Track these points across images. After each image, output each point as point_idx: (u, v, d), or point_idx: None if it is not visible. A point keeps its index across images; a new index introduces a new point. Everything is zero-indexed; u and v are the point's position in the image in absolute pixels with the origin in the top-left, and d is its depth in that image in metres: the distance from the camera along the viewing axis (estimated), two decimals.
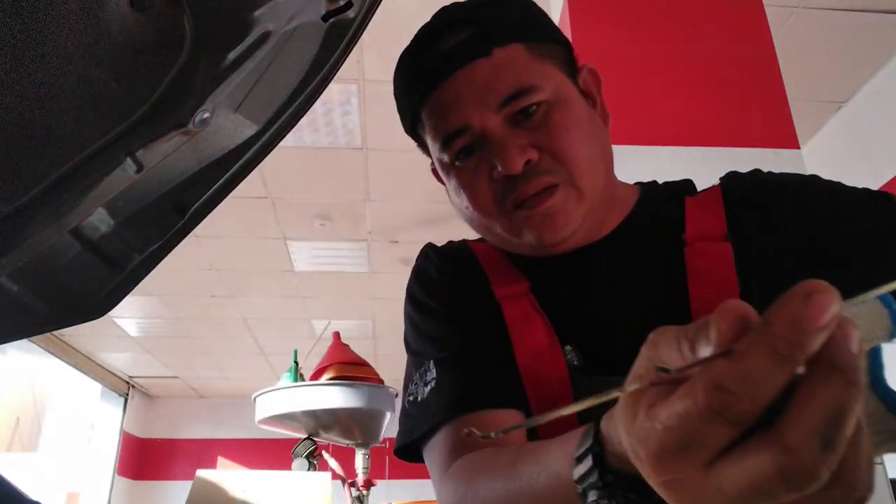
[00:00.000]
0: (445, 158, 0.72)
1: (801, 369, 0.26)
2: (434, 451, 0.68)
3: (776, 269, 0.67)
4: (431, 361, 0.72)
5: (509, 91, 0.67)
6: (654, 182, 0.84)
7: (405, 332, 0.81)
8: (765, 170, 0.77)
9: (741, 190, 0.74)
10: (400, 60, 0.76)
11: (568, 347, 0.70)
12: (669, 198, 0.78)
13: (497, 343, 0.72)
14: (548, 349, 0.70)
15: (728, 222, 0.71)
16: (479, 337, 0.73)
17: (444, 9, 0.73)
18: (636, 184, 0.84)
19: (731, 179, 0.77)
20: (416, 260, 0.86)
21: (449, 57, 0.69)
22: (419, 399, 0.71)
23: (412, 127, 0.77)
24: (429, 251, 0.85)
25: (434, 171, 0.82)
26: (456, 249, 0.84)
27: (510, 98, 0.67)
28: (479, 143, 0.69)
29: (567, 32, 1.79)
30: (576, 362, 0.70)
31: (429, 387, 0.70)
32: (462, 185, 0.71)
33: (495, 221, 0.71)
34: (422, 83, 0.71)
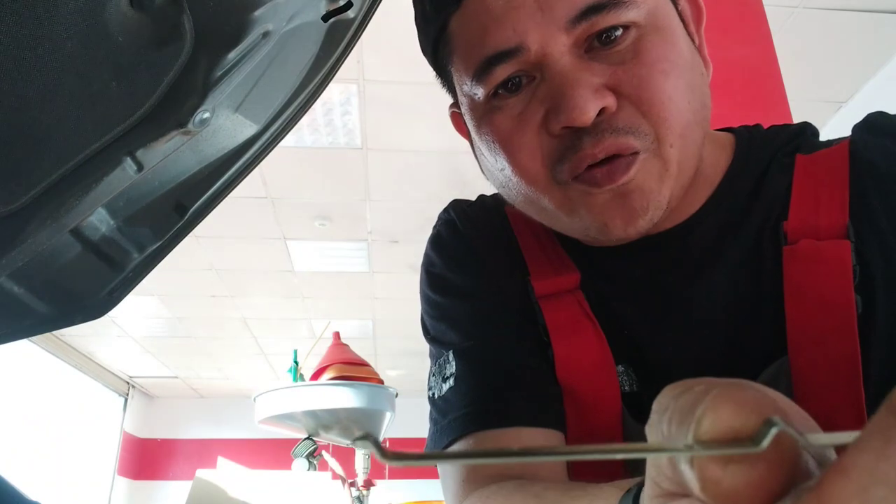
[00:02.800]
0: (479, 94, 0.51)
1: None
2: (447, 471, 0.55)
3: None
4: (451, 352, 0.57)
5: (590, 0, 0.46)
6: (757, 129, 0.61)
7: (421, 313, 0.65)
8: None
9: (874, 155, 0.51)
10: None
11: (620, 367, 0.54)
12: (774, 156, 0.56)
13: (534, 344, 0.57)
14: (599, 368, 0.54)
15: (852, 206, 0.50)
16: (511, 330, 0.57)
17: None
18: (731, 132, 0.61)
19: (867, 131, 0.54)
20: (437, 221, 0.67)
21: None
22: (436, 396, 0.58)
23: (434, 48, 0.56)
24: (452, 213, 0.66)
25: (454, 115, 0.61)
26: (487, 213, 0.65)
27: (591, 10, 0.46)
28: (531, 75, 0.49)
29: None
30: (627, 388, 0.54)
31: (448, 384, 0.56)
32: (499, 136, 0.51)
33: (543, 193, 0.51)
34: None
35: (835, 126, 3.22)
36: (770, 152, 0.57)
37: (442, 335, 0.61)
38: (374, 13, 0.62)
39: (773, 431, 0.14)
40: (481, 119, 0.52)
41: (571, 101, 0.46)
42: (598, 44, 0.48)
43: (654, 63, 0.47)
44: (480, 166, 0.59)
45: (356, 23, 0.61)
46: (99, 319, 0.69)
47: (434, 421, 0.58)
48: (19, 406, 5.34)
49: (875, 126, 0.54)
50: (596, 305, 0.56)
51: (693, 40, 0.53)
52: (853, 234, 0.49)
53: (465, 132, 0.60)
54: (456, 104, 0.59)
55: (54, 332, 5.26)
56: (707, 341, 0.53)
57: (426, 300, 0.64)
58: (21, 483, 0.71)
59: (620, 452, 0.16)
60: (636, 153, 0.48)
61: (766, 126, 0.62)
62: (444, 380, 0.57)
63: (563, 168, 0.49)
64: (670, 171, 0.49)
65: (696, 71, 0.51)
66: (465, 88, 0.53)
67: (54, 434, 5.93)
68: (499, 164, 0.52)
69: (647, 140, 0.48)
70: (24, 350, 5.39)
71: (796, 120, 2.05)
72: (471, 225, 0.65)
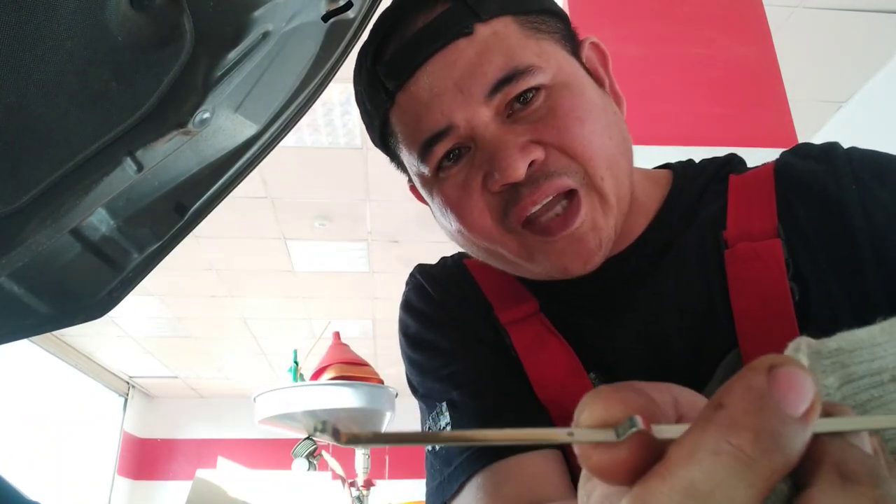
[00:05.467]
0: (426, 171, 0.58)
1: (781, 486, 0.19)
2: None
3: (840, 278, 0.53)
4: (444, 404, 0.61)
5: (499, 74, 0.53)
6: (690, 162, 0.68)
7: (406, 373, 0.69)
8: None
9: (799, 173, 0.59)
10: (360, 54, 0.61)
11: (592, 374, 0.59)
12: (708, 183, 0.64)
13: (513, 375, 0.61)
14: (571, 375, 0.58)
15: (779, 212, 0.57)
16: (491, 370, 0.62)
17: None
18: (666, 167, 0.69)
19: (792, 155, 0.62)
20: (406, 288, 0.73)
21: (418, 41, 0.55)
22: (437, 448, 0.61)
23: (382, 138, 0.63)
24: (418, 277, 0.72)
25: (413, 189, 0.68)
26: (449, 271, 0.72)
27: (501, 83, 0.53)
28: (466, 146, 0.56)
29: None
30: None
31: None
32: (450, 202, 0.57)
33: (499, 245, 0.57)
34: (388, 78, 0.57)
35: (835, 126, 3.22)
36: (704, 180, 0.64)
37: (430, 391, 0.65)
38: (374, 13, 0.62)
39: (632, 430, 0.19)
40: (432, 190, 0.60)
41: (503, 163, 0.52)
42: (518, 106, 0.55)
43: (567, 113, 0.54)
44: (443, 228, 0.64)
45: (356, 23, 0.61)
46: (99, 319, 0.69)
47: (438, 471, 0.60)
48: (19, 406, 5.34)
49: (800, 151, 0.62)
50: (558, 323, 0.61)
51: (602, 84, 0.61)
52: (783, 234, 0.55)
53: (424, 201, 0.67)
54: (411, 180, 0.66)
55: (54, 332, 5.26)
56: (663, 341, 0.58)
57: (409, 361, 0.68)
58: (21, 483, 0.71)
59: (512, 438, 0.21)
60: (573, 190, 0.54)
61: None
62: (441, 430, 0.60)
63: (510, 218, 0.55)
64: (610, 203, 0.55)
65: (608, 111, 0.58)
66: (414, 168, 0.60)
67: (54, 434, 5.93)
68: (454, 226, 0.59)
69: (579, 177, 0.54)
70: (24, 350, 5.38)
71: (796, 120, 2.03)
72: (436, 284, 0.70)
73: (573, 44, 0.60)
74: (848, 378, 0.22)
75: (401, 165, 0.66)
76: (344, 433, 0.18)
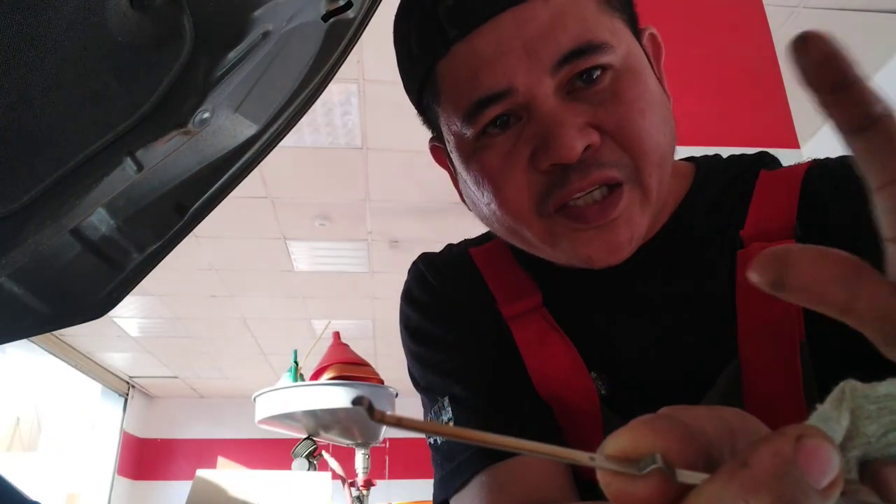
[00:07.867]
0: (468, 133, 0.53)
1: None
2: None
3: None
4: (446, 398, 0.60)
5: (572, 45, 0.49)
6: (716, 157, 0.65)
7: (408, 366, 0.67)
8: None
9: (833, 176, 0.55)
10: None
11: (593, 374, 0.57)
12: (733, 180, 0.60)
13: (516, 370, 0.59)
14: (572, 375, 0.57)
15: (800, 213, 0.54)
16: (493, 365, 0.60)
17: None
18: (690, 161, 0.65)
19: (834, 158, 0.58)
20: (408, 276, 0.70)
21: None
22: (439, 442, 0.59)
23: (420, 88, 0.58)
24: (420, 266, 0.69)
25: (434, 149, 0.64)
26: (454, 261, 0.69)
27: (573, 54, 0.49)
28: (517, 115, 0.52)
29: None
30: (604, 392, 0.57)
31: None
32: (487, 173, 0.53)
33: (526, 226, 0.54)
34: (450, 24, 0.52)
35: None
36: (729, 176, 0.61)
37: (432, 384, 0.63)
38: (374, 13, 0.62)
39: (652, 467, 0.19)
40: (470, 156, 0.55)
41: (559, 140, 0.48)
42: (580, 83, 0.51)
43: (631, 102, 0.50)
44: (462, 197, 0.61)
45: (356, 23, 0.61)
46: (99, 319, 0.69)
47: (440, 466, 0.59)
48: (19, 406, 5.34)
49: (838, 160, 0.59)
50: (563, 320, 0.59)
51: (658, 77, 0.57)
52: (800, 234, 0.52)
53: (445, 164, 0.64)
54: (436, 139, 0.62)
55: (54, 332, 5.26)
56: (668, 344, 0.56)
57: (410, 354, 0.66)
58: (21, 483, 0.71)
59: (535, 451, 0.21)
60: (620, 184, 0.51)
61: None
62: (446, 425, 0.58)
63: (550, 202, 0.52)
64: (650, 200, 0.52)
65: (665, 105, 0.54)
66: (454, 128, 0.55)
67: (54, 434, 5.93)
68: (486, 198, 0.55)
69: (628, 170, 0.51)
70: (24, 350, 5.38)
71: (796, 120, 2.03)
72: (439, 274, 0.68)
73: (636, 30, 0.57)
74: (895, 425, 0.22)
75: (429, 120, 0.61)
76: (377, 410, 0.20)
